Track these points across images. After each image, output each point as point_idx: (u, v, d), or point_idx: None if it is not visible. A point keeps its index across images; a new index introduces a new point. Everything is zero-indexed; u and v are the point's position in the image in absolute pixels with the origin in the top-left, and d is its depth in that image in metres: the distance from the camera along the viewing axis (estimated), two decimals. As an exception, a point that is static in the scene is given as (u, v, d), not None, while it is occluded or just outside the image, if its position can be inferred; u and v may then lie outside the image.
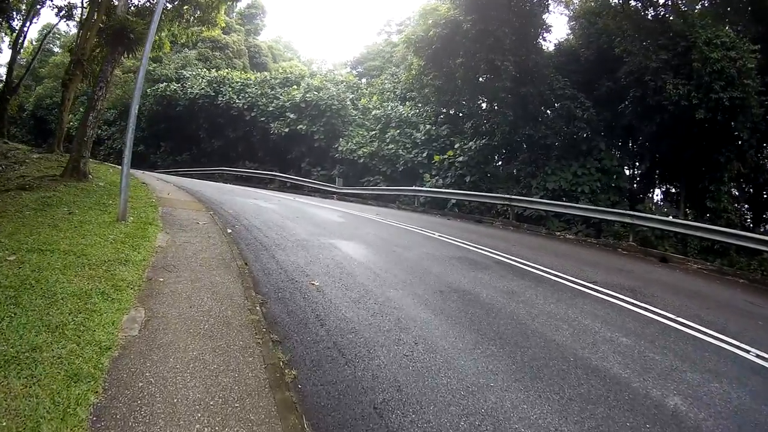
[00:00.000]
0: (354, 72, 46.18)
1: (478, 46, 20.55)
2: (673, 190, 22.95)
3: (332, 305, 6.40)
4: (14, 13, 26.62)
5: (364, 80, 43.16)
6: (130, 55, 14.65)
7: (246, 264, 7.79)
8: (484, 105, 25.09)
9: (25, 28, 29.27)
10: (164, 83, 36.92)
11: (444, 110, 25.91)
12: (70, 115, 46.96)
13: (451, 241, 12.08)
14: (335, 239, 10.62)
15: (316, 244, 9.83)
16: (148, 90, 37.36)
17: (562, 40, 23.64)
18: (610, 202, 18.52)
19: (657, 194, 24.45)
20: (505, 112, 21.12)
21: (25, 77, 33.78)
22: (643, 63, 17.62)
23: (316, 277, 7.52)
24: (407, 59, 36.79)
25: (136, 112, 9.27)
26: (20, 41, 29.86)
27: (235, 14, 52.27)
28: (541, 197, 18.90)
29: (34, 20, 31.26)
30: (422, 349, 5.25)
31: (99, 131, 42.53)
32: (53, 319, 4.56)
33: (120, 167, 18.64)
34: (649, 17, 20.01)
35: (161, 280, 6.31)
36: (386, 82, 37.69)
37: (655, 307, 7.67)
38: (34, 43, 47.10)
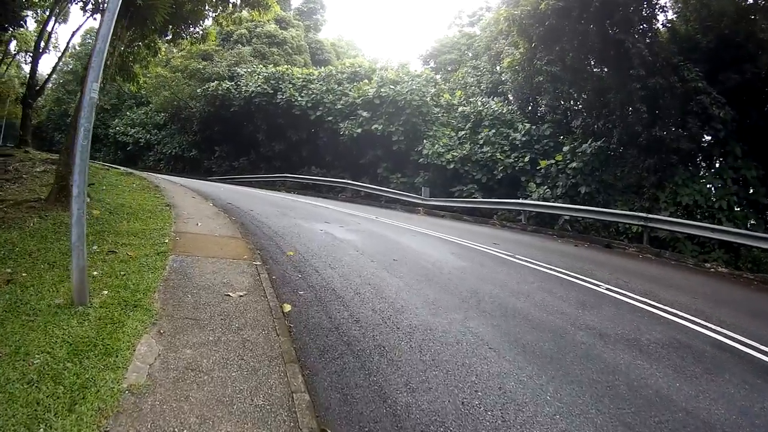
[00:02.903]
0: (427, 67, 41.97)
1: (599, 24, 17.25)
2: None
3: None
4: (19, 12, 23.71)
5: (438, 75, 38.96)
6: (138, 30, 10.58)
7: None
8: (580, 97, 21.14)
9: (48, 28, 26.71)
10: (215, 81, 33.52)
11: (562, 103, 21.17)
12: (116, 119, 45.09)
13: (626, 300, 7.72)
14: (477, 319, 6.02)
15: (451, 341, 5.29)
16: (199, 90, 34.60)
17: (668, 24, 19.21)
18: (748, 222, 15.79)
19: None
20: (638, 108, 16.72)
21: (50, 79, 31.56)
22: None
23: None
24: (492, 48, 32.69)
25: (96, 95, 4.94)
26: (42, 43, 27.23)
27: (292, 10, 49.31)
28: (670, 214, 15.85)
29: (60, 21, 28.85)
30: None
31: (148, 135, 40.02)
32: None
33: (154, 174, 14.71)
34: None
35: None
36: (468, 75, 33.27)
37: None
38: (77, 47, 45.41)
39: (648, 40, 16.84)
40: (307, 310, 5.75)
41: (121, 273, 5.87)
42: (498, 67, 29.69)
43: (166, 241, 7.73)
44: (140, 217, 9.28)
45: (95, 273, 5.79)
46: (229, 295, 5.69)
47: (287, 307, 5.67)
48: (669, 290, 8.85)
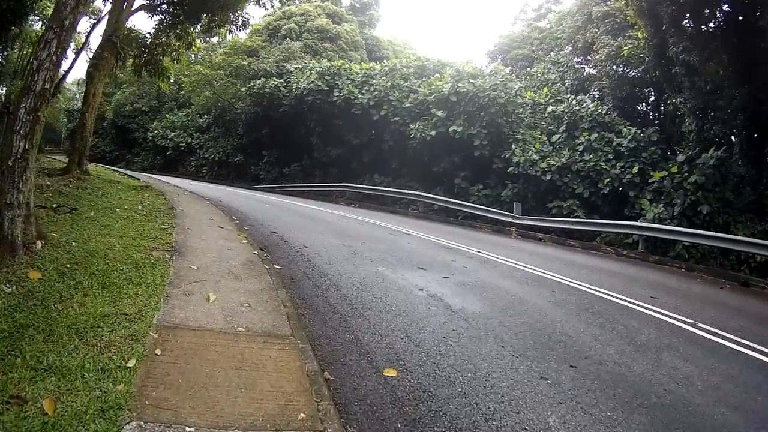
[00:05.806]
0: (495, 63, 38.50)
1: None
2: None
3: None
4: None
5: (511, 72, 35.54)
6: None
7: None
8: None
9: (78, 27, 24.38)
10: (262, 79, 30.72)
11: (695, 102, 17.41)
12: (155, 122, 42.39)
13: None
14: None
15: None
16: (244, 89, 32.00)
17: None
18: None
19: None
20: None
21: (64, 79, 29.36)
22: None
23: None
24: (577, 39, 29.08)
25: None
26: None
27: (344, 6, 47.35)
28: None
29: (90, 16, 26.52)
30: None
31: (189, 139, 37.24)
32: None
33: (188, 183, 11.43)
34: None
35: None
36: (548, 71, 29.90)
37: None
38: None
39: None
40: None
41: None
42: (589, 60, 26.38)
43: (132, 363, 3.82)
44: (112, 281, 5.57)
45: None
46: None
47: None
48: None
